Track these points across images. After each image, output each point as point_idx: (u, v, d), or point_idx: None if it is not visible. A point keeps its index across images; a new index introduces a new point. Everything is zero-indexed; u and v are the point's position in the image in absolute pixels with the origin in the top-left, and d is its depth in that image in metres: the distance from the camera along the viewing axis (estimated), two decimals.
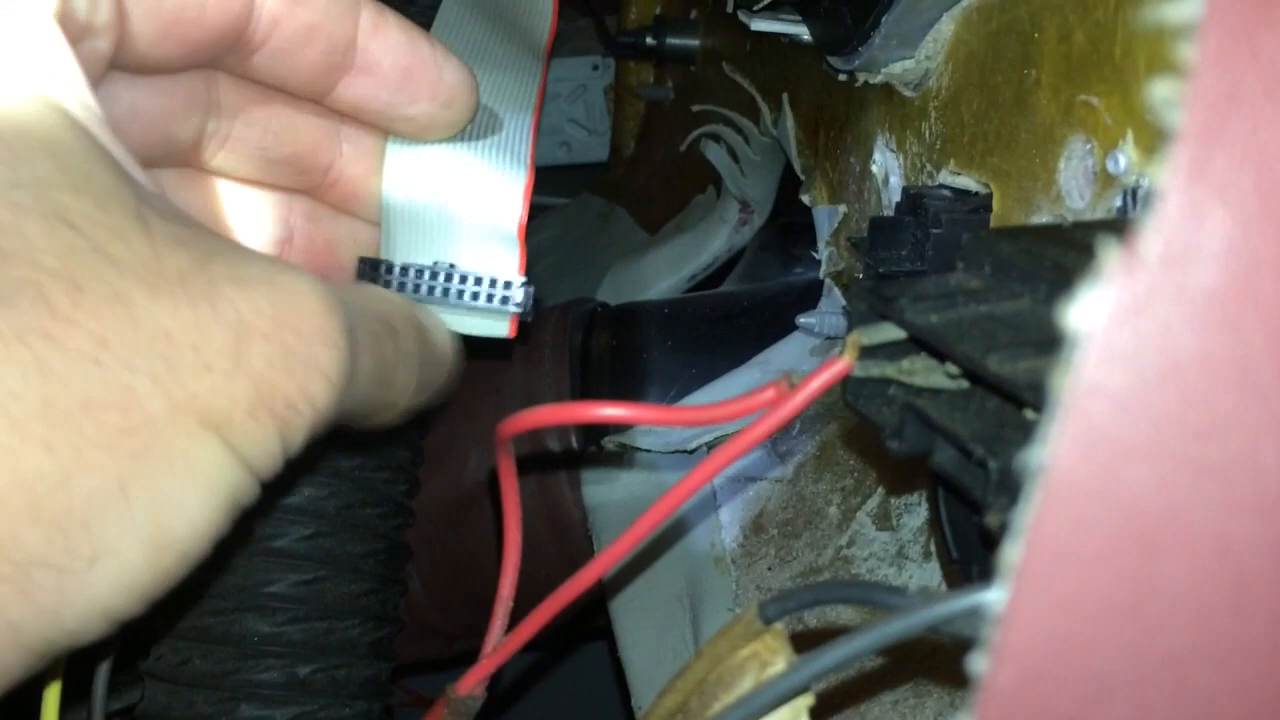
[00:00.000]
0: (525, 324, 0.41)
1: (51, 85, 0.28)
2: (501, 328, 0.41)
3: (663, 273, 0.77)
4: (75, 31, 0.30)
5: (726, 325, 0.66)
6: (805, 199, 0.60)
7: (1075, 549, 0.14)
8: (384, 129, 0.40)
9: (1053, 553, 0.14)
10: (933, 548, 0.47)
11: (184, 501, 0.27)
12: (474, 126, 0.42)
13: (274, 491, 0.31)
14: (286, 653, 0.55)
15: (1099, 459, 0.14)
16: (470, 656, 0.82)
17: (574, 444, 0.61)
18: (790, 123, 0.61)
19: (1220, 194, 0.13)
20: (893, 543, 0.49)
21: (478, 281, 0.40)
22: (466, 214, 0.41)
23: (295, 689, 0.55)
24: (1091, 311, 0.14)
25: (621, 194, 0.92)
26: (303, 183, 0.41)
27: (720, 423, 0.28)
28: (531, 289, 0.40)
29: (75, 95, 0.29)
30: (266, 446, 0.28)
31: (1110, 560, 0.14)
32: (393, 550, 0.60)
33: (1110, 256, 0.14)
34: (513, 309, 0.39)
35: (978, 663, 0.15)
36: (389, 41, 0.37)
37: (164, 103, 0.36)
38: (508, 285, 0.40)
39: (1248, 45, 0.13)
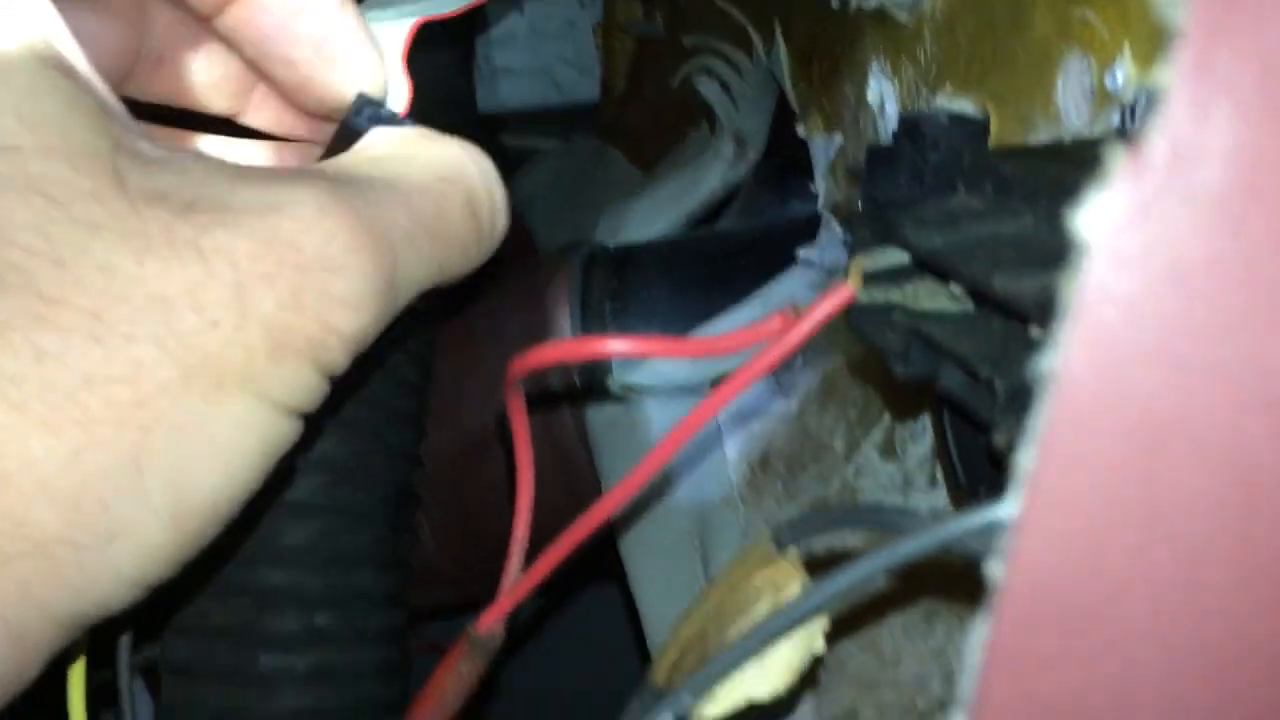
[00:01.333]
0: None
1: (21, 24, 0.27)
2: None
3: (659, 212, 0.76)
4: None
5: (726, 263, 0.65)
6: (801, 131, 0.59)
7: (1087, 453, 0.14)
8: (265, 74, 0.37)
9: (1065, 458, 0.14)
10: (938, 475, 0.47)
11: (205, 466, 0.27)
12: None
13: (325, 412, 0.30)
14: (303, 602, 0.55)
15: (1109, 364, 0.14)
16: (482, 603, 0.83)
17: (578, 385, 0.61)
18: (783, 53, 0.61)
19: (1225, 90, 0.13)
20: (899, 473, 0.49)
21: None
22: None
23: (313, 637, 0.55)
24: (1098, 217, 0.14)
25: (614, 133, 0.92)
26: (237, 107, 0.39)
27: (727, 352, 0.28)
28: (385, 109, 0.37)
29: (47, 33, 0.28)
30: (301, 383, 0.28)
31: (1122, 463, 0.14)
32: (403, 499, 0.60)
33: (1116, 161, 0.14)
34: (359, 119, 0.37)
35: (994, 569, 0.15)
36: None
37: (108, 26, 0.35)
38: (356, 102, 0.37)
39: None
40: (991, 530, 0.23)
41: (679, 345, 0.29)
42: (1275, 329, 0.13)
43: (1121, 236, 0.13)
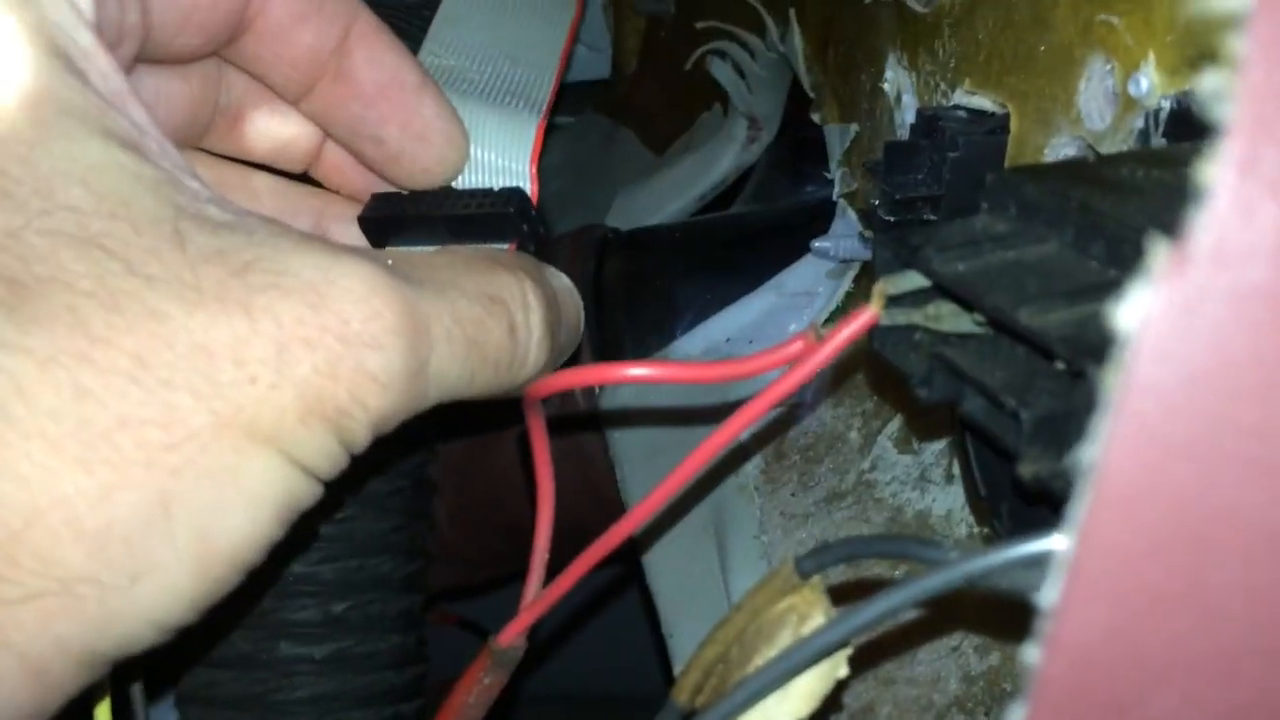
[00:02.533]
0: (525, 248, 0.40)
1: (92, 107, 0.28)
2: (502, 250, 0.40)
3: (672, 194, 0.76)
4: (111, 39, 0.30)
5: (740, 248, 0.65)
6: (815, 117, 0.59)
7: (1126, 545, 0.14)
8: (355, 151, 0.38)
9: (1104, 548, 0.14)
10: (955, 470, 0.47)
11: (232, 515, 0.27)
12: (493, 78, 0.42)
13: (343, 485, 0.30)
14: (320, 591, 0.56)
15: (1150, 457, 0.14)
16: (499, 582, 0.83)
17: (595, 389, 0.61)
18: (798, 39, 0.60)
19: (1272, 190, 0.13)
20: (915, 466, 0.49)
21: (480, 194, 0.39)
22: (478, 155, 0.40)
23: (331, 626, 0.56)
24: (1140, 310, 0.14)
25: (626, 113, 0.91)
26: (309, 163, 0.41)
27: (749, 376, 0.28)
28: (526, 202, 0.39)
29: (119, 112, 0.28)
30: (325, 450, 0.28)
31: (1162, 556, 0.14)
32: (418, 486, 0.60)
33: (1160, 255, 0.13)
34: (505, 207, 0.38)
35: (1030, 654, 0.15)
36: (374, 54, 0.36)
37: (184, 88, 0.36)
38: (505, 193, 0.39)
39: None
40: (1016, 567, 0.23)
41: (699, 371, 0.29)
42: None
43: (1164, 332, 0.13)
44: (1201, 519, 0.14)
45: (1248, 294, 0.13)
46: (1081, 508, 0.14)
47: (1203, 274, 0.13)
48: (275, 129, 0.39)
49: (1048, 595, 0.15)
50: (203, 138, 0.38)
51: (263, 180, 0.40)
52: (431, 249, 0.39)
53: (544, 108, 0.42)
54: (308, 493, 0.29)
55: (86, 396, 0.25)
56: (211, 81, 0.37)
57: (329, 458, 0.29)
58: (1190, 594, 0.14)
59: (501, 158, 0.41)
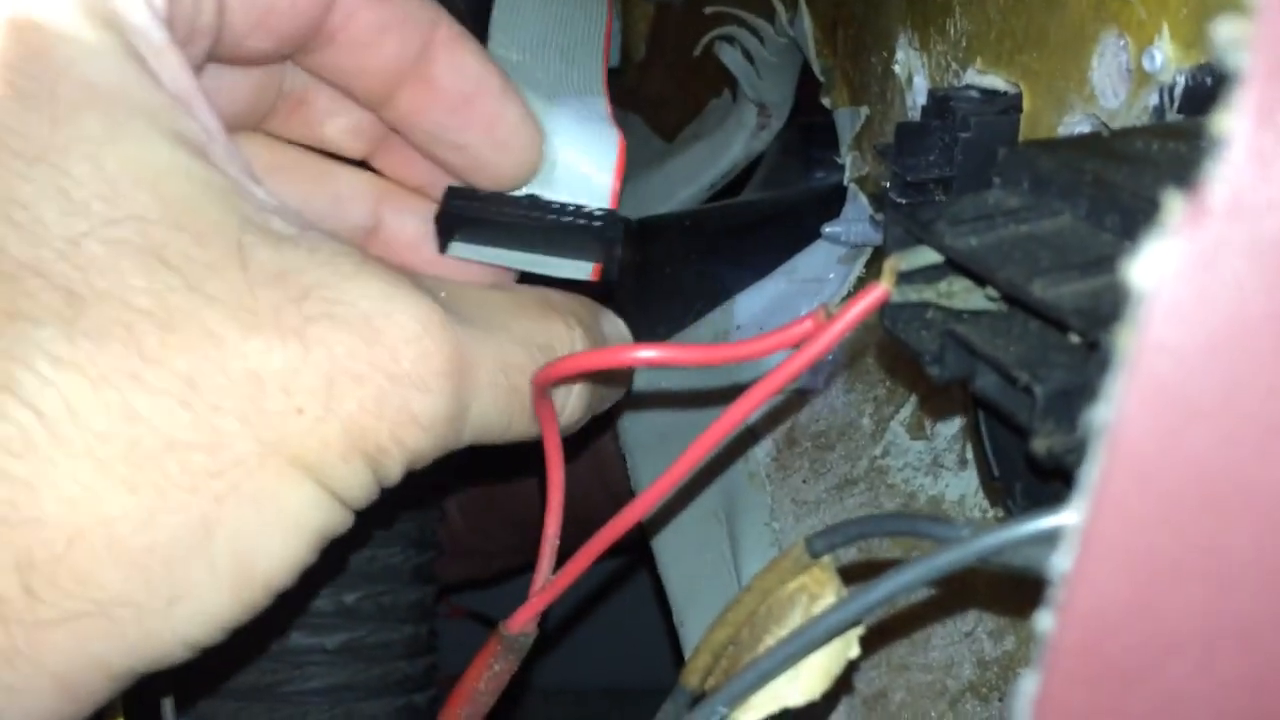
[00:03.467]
0: (610, 272, 0.40)
1: (163, 108, 0.27)
2: (585, 270, 0.40)
3: (682, 182, 0.75)
4: (182, 37, 0.30)
5: (750, 235, 0.65)
6: (825, 102, 0.58)
7: (1141, 510, 0.14)
8: (434, 157, 0.38)
9: (1118, 514, 0.14)
10: (968, 455, 0.47)
11: (270, 540, 0.27)
12: (554, 77, 0.41)
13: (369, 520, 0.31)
14: (333, 581, 0.56)
15: (1165, 418, 0.13)
16: (509, 574, 0.83)
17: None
18: (807, 22, 0.59)
19: None
20: (927, 451, 0.49)
21: (571, 209, 0.38)
22: (565, 160, 0.40)
23: (343, 616, 0.56)
24: (1156, 266, 0.13)
25: (635, 100, 0.90)
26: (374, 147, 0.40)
27: (759, 357, 0.28)
28: (620, 226, 0.38)
29: (189, 114, 0.28)
30: (361, 483, 0.28)
31: (1177, 521, 0.14)
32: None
33: (1174, 207, 0.13)
34: (597, 224, 0.38)
35: (1044, 622, 0.15)
36: (458, 61, 0.35)
37: (246, 75, 0.35)
38: (599, 213, 0.38)
39: None
40: (1028, 545, 0.22)
41: (709, 353, 0.28)
42: None
43: (1180, 288, 0.13)
44: (1218, 482, 0.14)
45: (1266, 248, 0.13)
46: (1095, 470, 0.14)
47: (1219, 227, 0.13)
48: (338, 115, 0.38)
49: (1061, 561, 0.15)
50: (264, 121, 0.38)
51: (322, 165, 0.39)
52: (494, 267, 0.38)
53: (608, 112, 0.41)
54: (341, 522, 0.29)
55: (136, 419, 0.25)
56: (275, 68, 0.36)
57: (363, 490, 0.29)
58: (1206, 559, 0.14)
59: (585, 164, 0.40)
